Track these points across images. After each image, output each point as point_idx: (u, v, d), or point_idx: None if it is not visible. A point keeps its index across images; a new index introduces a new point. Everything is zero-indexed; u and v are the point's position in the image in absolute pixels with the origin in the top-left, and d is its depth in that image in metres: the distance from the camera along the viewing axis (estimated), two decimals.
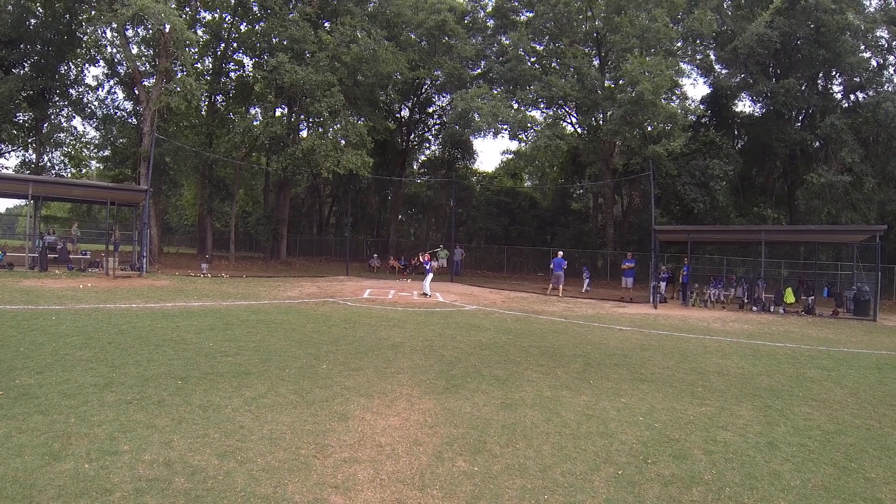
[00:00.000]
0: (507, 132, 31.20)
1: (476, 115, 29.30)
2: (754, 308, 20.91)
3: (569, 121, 35.35)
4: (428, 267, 20.99)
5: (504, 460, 5.21)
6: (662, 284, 23.55)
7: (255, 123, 29.04)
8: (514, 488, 4.64)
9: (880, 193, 27.96)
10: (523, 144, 35.13)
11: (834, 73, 31.25)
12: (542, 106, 33.74)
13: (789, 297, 21.67)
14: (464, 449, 5.41)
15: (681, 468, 5.35)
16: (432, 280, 21.11)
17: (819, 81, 31.77)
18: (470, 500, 4.37)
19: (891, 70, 30.97)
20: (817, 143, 30.31)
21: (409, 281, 24.87)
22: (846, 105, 30.93)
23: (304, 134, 31.71)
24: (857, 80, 29.78)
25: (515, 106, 31.41)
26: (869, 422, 7.44)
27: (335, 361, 8.73)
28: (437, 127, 43.40)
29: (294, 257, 36.25)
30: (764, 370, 10.50)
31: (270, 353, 9.02)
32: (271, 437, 5.36)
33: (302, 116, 31.34)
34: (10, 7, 27.78)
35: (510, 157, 45.97)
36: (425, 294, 19.90)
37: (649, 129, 28.63)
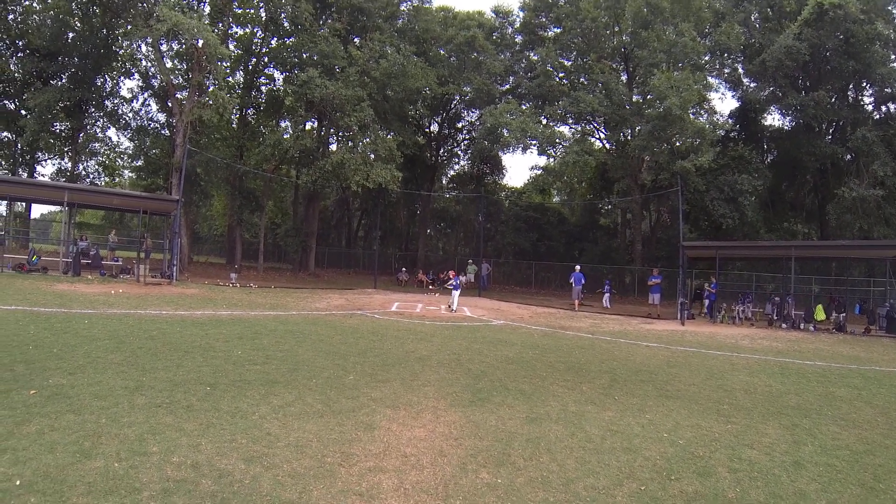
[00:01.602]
0: (535, 148, 31.33)
1: (505, 131, 29.46)
2: (784, 325, 20.53)
3: (597, 136, 35.32)
4: (455, 283, 21.04)
5: (527, 473, 5.21)
6: (707, 301, 23.14)
7: (285, 137, 29.55)
8: (537, 501, 4.64)
9: None
10: (552, 160, 35.12)
11: (864, 84, 30.72)
12: (570, 121, 33.78)
13: (820, 314, 21.24)
14: (488, 461, 5.42)
15: (704, 485, 5.29)
16: (460, 295, 21.17)
17: (849, 93, 31.25)
18: None
19: None
20: (848, 157, 29.79)
21: (437, 295, 24.96)
22: (877, 117, 30.40)
23: (333, 148, 32.13)
24: (888, 90, 29.26)
25: (544, 121, 31.52)
26: None
27: (362, 373, 8.80)
28: (466, 142, 43.60)
29: (322, 269, 36.57)
30: (792, 388, 10.32)
31: (298, 363, 9.12)
32: (297, 444, 5.42)
33: (332, 130, 31.79)
34: (49, 21, 28.87)
35: (539, 172, 45.96)
36: (453, 308, 19.97)
37: (677, 144, 28.43)
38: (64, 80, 30.71)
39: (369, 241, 45.63)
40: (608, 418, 7.27)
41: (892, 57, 29.14)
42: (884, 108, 30.82)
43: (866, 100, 31.77)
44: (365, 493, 4.50)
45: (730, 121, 33.72)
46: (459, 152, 45.29)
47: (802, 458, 6.32)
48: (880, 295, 22.40)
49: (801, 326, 20.40)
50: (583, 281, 23.92)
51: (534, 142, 30.39)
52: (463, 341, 13.12)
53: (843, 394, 10.20)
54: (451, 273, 22.71)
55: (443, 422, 6.57)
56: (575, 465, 5.52)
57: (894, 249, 21.65)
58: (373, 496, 4.47)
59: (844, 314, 20.82)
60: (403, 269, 34.95)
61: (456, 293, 20.64)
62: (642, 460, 5.80)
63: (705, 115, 30.83)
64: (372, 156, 28.57)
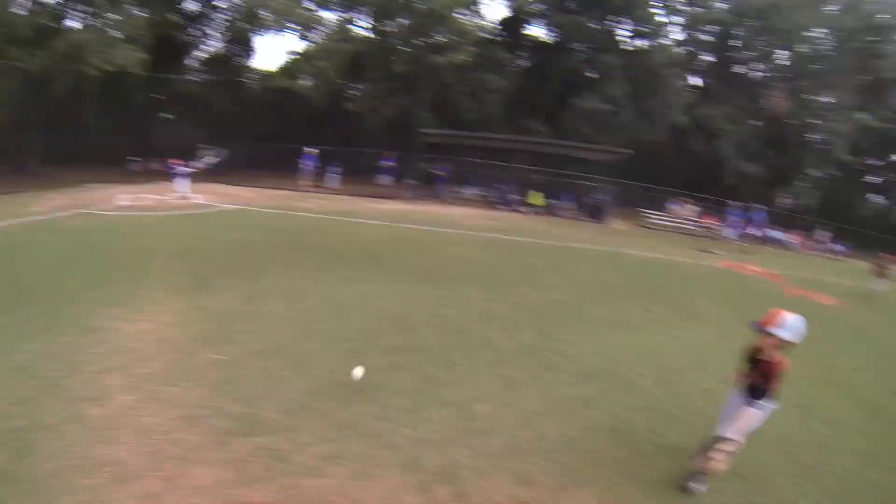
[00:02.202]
0: (296, 32, 30.99)
1: (265, 12, 28.47)
2: (501, 206, 23.81)
3: (359, 24, 35.01)
4: (182, 170, 19.84)
5: (249, 346, 5.83)
6: (435, 182, 25.23)
7: (17, 13, 24.21)
8: (258, 369, 5.33)
9: (635, 124, 32.62)
10: (309, 43, 34.28)
11: (623, 19, 34.79)
12: (334, 6, 33.00)
13: (537, 199, 24.91)
14: (213, 341, 5.89)
15: (406, 339, 6.52)
16: (192, 182, 20.06)
17: (607, 23, 35.14)
18: (217, 386, 4.92)
19: (673, 28, 36.23)
20: (593, 75, 34.10)
21: (169, 184, 23.39)
22: (624, 48, 34.96)
23: (73, 25, 27.17)
24: (643, 29, 33.98)
25: (309, 6, 30.68)
26: (572, 299, 9.44)
27: (86, 276, 8.18)
28: (224, 21, 39.65)
29: (52, 169, 31.57)
30: (499, 260, 12.33)
31: (16, 279, 8.02)
32: (20, 366, 5.05)
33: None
34: None
35: (295, 56, 44.32)
36: (182, 196, 18.93)
37: (440, 39, 29.40)
38: None
39: (104, 132, 40.25)
40: (325, 291, 8.16)
41: (651, 3, 33.90)
42: (633, 42, 35.50)
43: (621, 32, 35.89)
44: (95, 398, 4.55)
45: (499, 26, 35.75)
46: (213, 32, 41.32)
47: (493, 313, 7.94)
48: (591, 189, 26.87)
49: (519, 210, 23.81)
50: (313, 162, 24.37)
51: (295, 26, 29.91)
52: (191, 229, 12.79)
53: (542, 264, 12.56)
54: (177, 161, 21.36)
55: (169, 311, 6.74)
56: (292, 334, 6.32)
57: (611, 155, 26.31)
58: (103, 397, 4.57)
59: (559, 201, 24.95)
60: (138, 158, 31.95)
61: (184, 181, 19.61)
62: (352, 324, 6.83)
63: (471, 16, 32.04)
64: (120, 35, 24.93)
